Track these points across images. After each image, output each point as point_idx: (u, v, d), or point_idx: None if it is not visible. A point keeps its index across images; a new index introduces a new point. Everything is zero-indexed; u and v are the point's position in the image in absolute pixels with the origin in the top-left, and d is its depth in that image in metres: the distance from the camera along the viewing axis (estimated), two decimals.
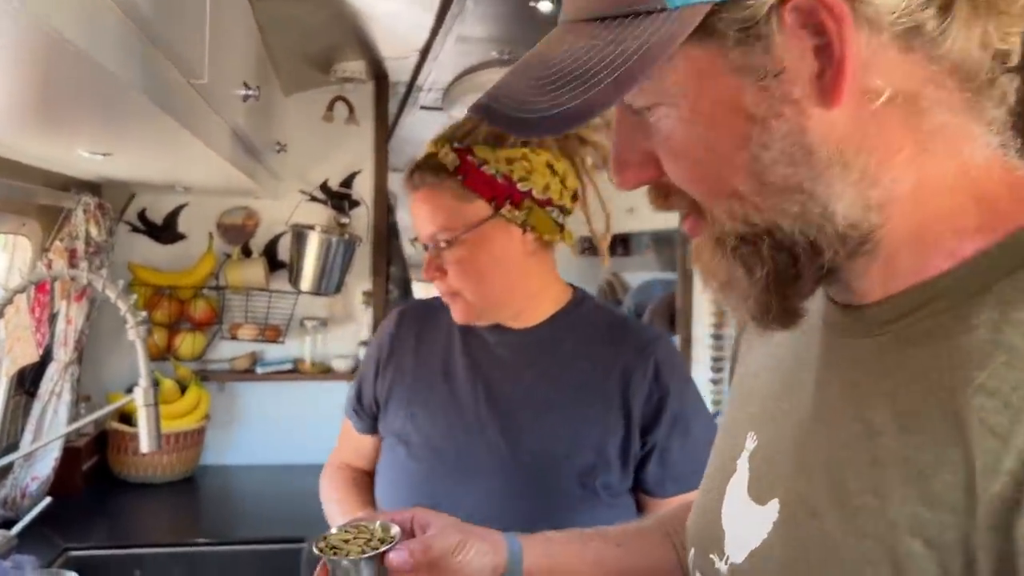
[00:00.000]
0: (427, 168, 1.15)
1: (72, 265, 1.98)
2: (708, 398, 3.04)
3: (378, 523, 0.86)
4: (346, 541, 0.83)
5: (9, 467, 2.02)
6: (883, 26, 0.45)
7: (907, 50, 0.46)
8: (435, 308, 1.29)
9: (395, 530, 0.84)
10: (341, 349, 2.74)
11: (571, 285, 1.27)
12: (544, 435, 1.15)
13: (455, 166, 1.12)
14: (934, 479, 0.44)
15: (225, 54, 1.38)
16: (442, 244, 1.15)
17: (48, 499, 1.82)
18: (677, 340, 3.04)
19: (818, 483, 0.52)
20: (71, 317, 2.08)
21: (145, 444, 1.73)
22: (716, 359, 3.02)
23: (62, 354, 2.10)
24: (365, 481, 1.34)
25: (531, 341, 1.21)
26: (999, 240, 0.48)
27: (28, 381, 2.15)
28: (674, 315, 3.19)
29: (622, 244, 5.63)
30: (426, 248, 1.18)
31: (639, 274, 4.84)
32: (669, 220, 3.91)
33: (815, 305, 0.58)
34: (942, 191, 0.49)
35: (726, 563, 0.61)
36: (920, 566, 0.44)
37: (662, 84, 0.50)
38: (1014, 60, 0.49)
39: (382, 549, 0.80)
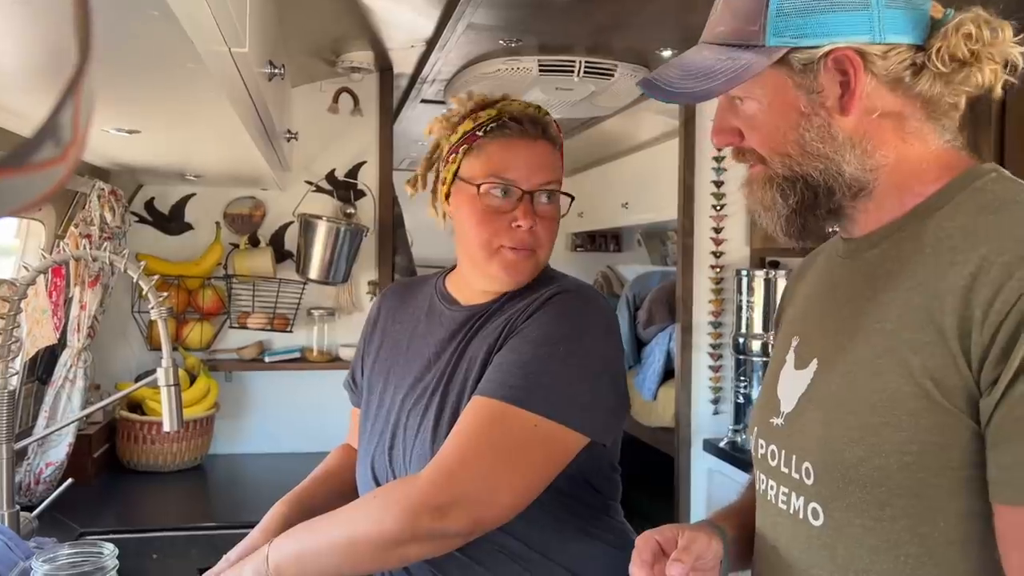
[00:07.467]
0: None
1: None
2: (707, 384, 3.08)
3: None
4: None
5: (24, 453, 2.01)
6: (880, 75, 0.81)
7: (894, 89, 0.83)
8: (414, 286, 1.36)
9: None
10: (348, 338, 2.75)
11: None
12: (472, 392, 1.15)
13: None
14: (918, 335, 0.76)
15: (257, 26, 1.40)
16: None
17: (70, 480, 1.83)
18: (677, 328, 3.08)
19: (841, 343, 0.84)
20: (85, 302, 2.08)
21: (167, 423, 1.74)
22: (715, 346, 3.07)
23: (75, 340, 2.10)
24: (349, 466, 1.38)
25: (476, 313, 1.23)
26: (945, 183, 0.83)
27: (40, 369, 2.15)
28: (674, 303, 3.22)
29: (614, 240, 5.72)
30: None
31: (632, 267, 4.91)
32: (659, 214, 3.97)
33: (835, 247, 0.94)
34: (912, 161, 0.84)
35: (781, 416, 0.90)
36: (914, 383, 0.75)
37: (753, 87, 0.85)
38: (997, 93, 0.82)
39: None
